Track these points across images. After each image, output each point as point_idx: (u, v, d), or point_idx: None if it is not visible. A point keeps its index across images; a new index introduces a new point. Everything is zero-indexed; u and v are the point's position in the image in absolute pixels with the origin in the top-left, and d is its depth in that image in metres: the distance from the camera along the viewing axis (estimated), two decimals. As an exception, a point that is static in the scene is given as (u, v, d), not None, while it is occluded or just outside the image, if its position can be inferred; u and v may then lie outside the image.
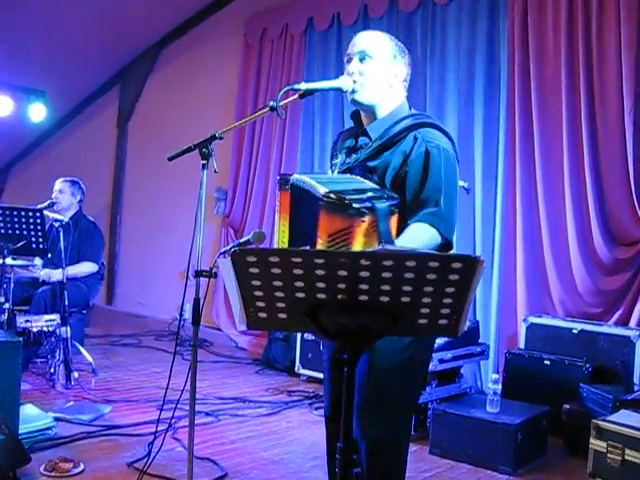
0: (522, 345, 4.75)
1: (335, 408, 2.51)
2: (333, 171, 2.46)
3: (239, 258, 1.53)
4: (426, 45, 5.72)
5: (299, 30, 6.72)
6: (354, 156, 2.40)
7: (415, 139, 2.32)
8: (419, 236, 2.21)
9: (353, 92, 2.39)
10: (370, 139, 2.42)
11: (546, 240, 4.87)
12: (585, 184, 4.67)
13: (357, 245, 2.06)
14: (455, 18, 5.55)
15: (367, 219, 2.05)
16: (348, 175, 2.35)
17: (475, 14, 5.43)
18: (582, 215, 4.73)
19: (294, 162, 6.70)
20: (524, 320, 4.78)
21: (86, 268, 5.60)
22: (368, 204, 2.06)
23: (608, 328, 4.45)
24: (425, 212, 2.24)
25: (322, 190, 2.10)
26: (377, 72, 2.40)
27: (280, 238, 2.27)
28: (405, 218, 2.24)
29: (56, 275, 5.22)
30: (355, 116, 2.54)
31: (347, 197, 2.06)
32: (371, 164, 2.36)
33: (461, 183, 2.62)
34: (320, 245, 2.09)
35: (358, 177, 2.31)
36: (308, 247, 2.07)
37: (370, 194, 2.11)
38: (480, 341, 4.86)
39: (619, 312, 4.54)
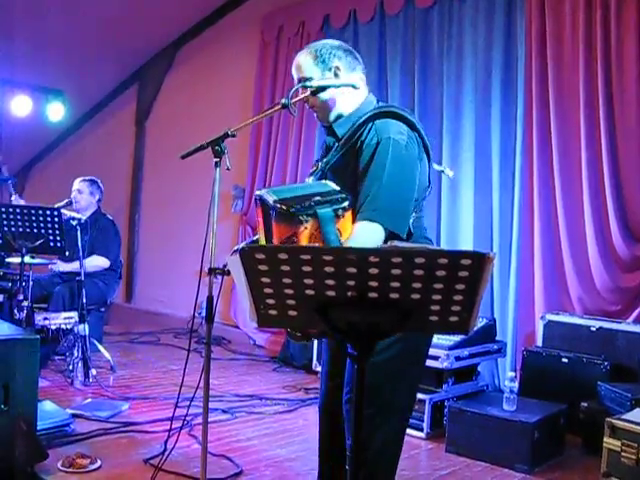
0: (540, 343, 4.72)
1: (330, 404, 2.61)
2: (309, 178, 2.51)
3: (248, 255, 1.54)
4: (442, 42, 5.69)
5: (315, 27, 6.72)
6: (325, 160, 2.45)
7: (369, 129, 2.34)
8: (360, 237, 2.20)
9: (316, 115, 2.52)
10: (337, 139, 2.45)
11: (564, 237, 4.84)
12: (603, 180, 4.62)
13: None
14: (472, 15, 5.52)
15: (309, 225, 2.08)
16: (319, 182, 2.38)
17: (492, 10, 5.40)
18: (600, 211, 4.69)
19: (311, 159, 6.68)
20: (542, 318, 4.75)
21: (96, 262, 5.63)
22: (309, 211, 2.09)
23: (627, 326, 4.41)
24: (364, 207, 2.24)
25: (271, 199, 2.15)
26: (326, 93, 2.45)
27: None
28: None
29: (64, 266, 5.26)
30: None
31: (290, 205, 2.11)
32: (336, 165, 2.41)
33: (438, 168, 2.61)
34: None
35: (325, 181, 2.34)
36: None
37: (317, 199, 2.13)
38: (497, 339, 4.83)
39: (638, 310, 4.48)
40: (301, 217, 2.08)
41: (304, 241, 2.08)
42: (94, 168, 6.78)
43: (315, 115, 2.54)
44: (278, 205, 2.12)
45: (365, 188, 2.27)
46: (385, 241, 2.24)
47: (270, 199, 2.16)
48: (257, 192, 2.31)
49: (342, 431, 2.48)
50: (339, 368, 2.53)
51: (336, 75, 2.46)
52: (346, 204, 2.16)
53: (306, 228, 2.08)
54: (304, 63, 2.49)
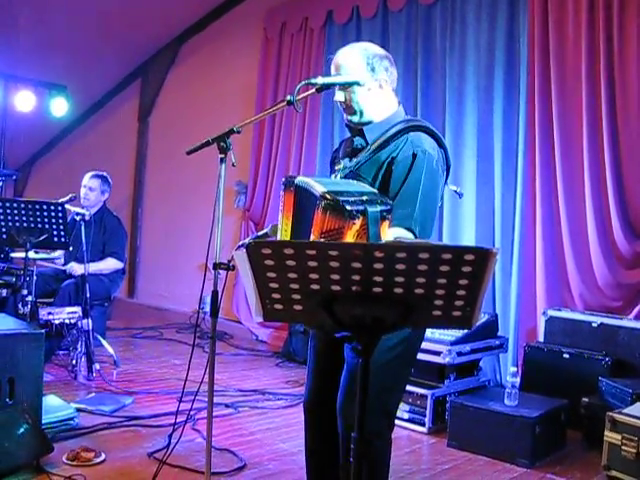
0: (541, 338, 4.75)
1: (317, 399, 2.62)
2: (336, 175, 2.52)
3: (254, 250, 1.55)
4: (445, 39, 5.70)
5: (319, 23, 6.73)
6: (355, 160, 2.47)
7: (405, 141, 2.41)
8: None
9: (345, 112, 2.51)
10: (366, 141, 2.49)
11: (566, 233, 4.85)
12: (605, 176, 4.64)
13: None
14: (475, 11, 5.53)
15: (358, 222, 2.09)
16: (350, 180, 2.41)
17: (495, 7, 5.41)
18: (602, 208, 4.70)
19: (314, 156, 6.71)
20: (543, 313, 4.77)
21: (111, 264, 5.69)
22: (360, 207, 2.10)
23: (628, 322, 4.42)
24: (401, 214, 2.29)
25: (320, 189, 2.16)
26: (361, 93, 2.47)
27: (282, 237, 2.33)
28: None
29: (80, 269, 5.27)
30: (349, 125, 2.61)
31: (342, 199, 2.11)
32: (365, 167, 2.44)
33: (453, 187, 2.66)
34: None
35: (358, 182, 2.37)
36: None
37: (365, 198, 2.15)
38: (499, 334, 4.85)
39: (639, 306, 4.50)
40: (354, 213, 2.08)
41: (349, 237, 2.10)
42: (97, 163, 6.79)
43: (344, 113, 2.55)
44: (330, 197, 2.12)
45: (402, 197, 2.32)
46: None
47: (318, 189, 2.17)
48: (290, 178, 2.34)
49: (332, 430, 2.48)
50: (329, 365, 2.56)
51: (380, 87, 2.51)
52: (389, 208, 2.19)
53: (355, 224, 2.09)
54: (353, 64, 2.50)
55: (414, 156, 2.36)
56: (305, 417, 2.70)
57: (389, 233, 2.22)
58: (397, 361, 2.39)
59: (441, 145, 2.49)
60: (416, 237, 2.29)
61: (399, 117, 2.54)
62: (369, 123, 2.51)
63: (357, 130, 2.53)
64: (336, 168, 2.56)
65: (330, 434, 2.50)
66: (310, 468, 2.70)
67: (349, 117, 2.52)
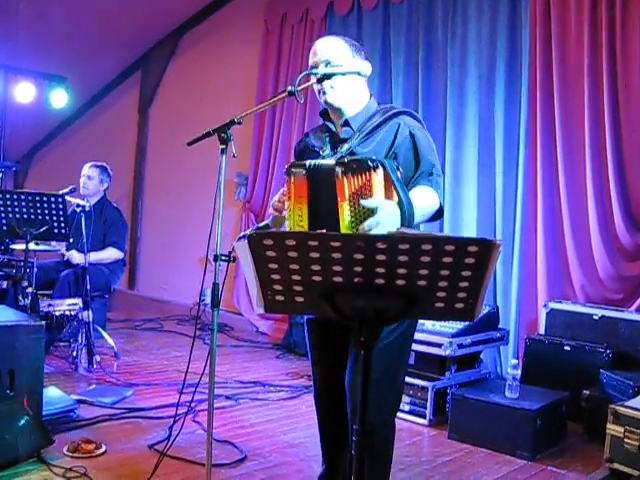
0: (542, 331, 4.74)
1: (325, 389, 2.68)
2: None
3: (256, 241, 1.55)
4: (447, 29, 5.67)
5: (319, 15, 6.70)
6: (345, 146, 2.49)
7: (398, 125, 2.47)
8: (427, 194, 2.37)
9: (324, 94, 2.51)
10: (353, 130, 2.53)
11: (567, 225, 4.84)
12: (607, 168, 4.62)
13: (377, 195, 2.17)
14: (476, 2, 5.50)
15: (380, 172, 2.18)
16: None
17: (496, -2, 5.39)
18: (603, 200, 4.69)
19: (314, 147, 6.68)
20: (544, 306, 4.76)
21: (111, 254, 5.68)
22: (376, 162, 2.20)
23: (629, 314, 4.41)
24: (427, 178, 2.41)
25: (333, 160, 2.29)
26: (344, 78, 2.50)
27: (296, 223, 2.31)
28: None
29: (80, 258, 5.26)
30: (324, 114, 2.66)
31: (357, 157, 2.27)
32: (359, 151, 2.47)
33: None
34: (342, 209, 2.20)
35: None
36: (325, 230, 2.10)
37: (373, 157, 2.24)
38: (500, 326, 4.84)
39: (640, 298, 4.50)
40: (375, 163, 2.17)
41: (378, 186, 2.17)
42: (97, 155, 6.76)
43: (323, 100, 2.54)
44: (346, 159, 2.25)
45: (420, 168, 2.43)
46: (437, 214, 2.44)
47: (331, 161, 2.30)
48: (297, 162, 2.39)
49: (342, 415, 2.51)
50: (330, 352, 2.60)
51: (359, 74, 2.54)
52: (397, 162, 2.32)
53: (377, 174, 2.17)
54: (338, 51, 2.52)
55: (412, 135, 2.45)
56: (317, 405, 2.74)
57: (417, 190, 2.33)
58: (400, 338, 2.44)
59: (423, 124, 2.60)
60: (437, 194, 2.40)
61: (374, 106, 2.60)
62: (346, 109, 2.54)
63: (344, 121, 2.55)
64: (322, 155, 2.55)
65: (344, 418, 2.53)
66: (327, 454, 2.74)
67: (329, 100, 2.52)
